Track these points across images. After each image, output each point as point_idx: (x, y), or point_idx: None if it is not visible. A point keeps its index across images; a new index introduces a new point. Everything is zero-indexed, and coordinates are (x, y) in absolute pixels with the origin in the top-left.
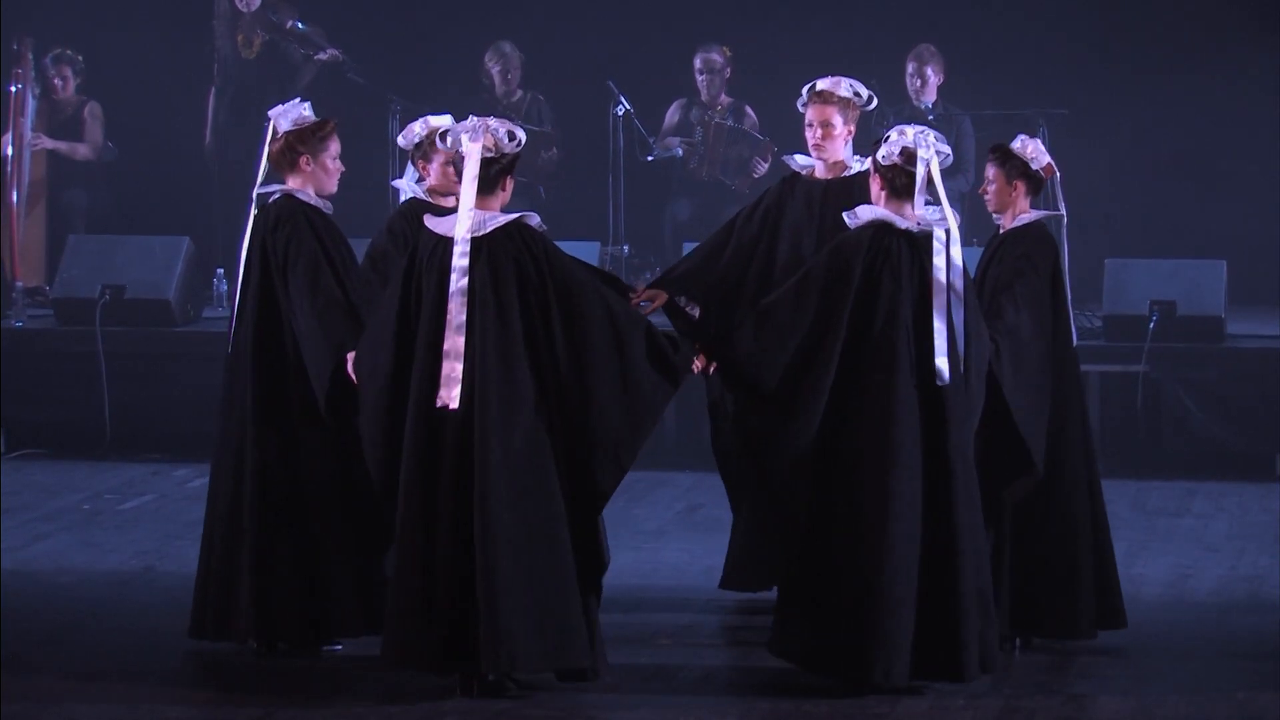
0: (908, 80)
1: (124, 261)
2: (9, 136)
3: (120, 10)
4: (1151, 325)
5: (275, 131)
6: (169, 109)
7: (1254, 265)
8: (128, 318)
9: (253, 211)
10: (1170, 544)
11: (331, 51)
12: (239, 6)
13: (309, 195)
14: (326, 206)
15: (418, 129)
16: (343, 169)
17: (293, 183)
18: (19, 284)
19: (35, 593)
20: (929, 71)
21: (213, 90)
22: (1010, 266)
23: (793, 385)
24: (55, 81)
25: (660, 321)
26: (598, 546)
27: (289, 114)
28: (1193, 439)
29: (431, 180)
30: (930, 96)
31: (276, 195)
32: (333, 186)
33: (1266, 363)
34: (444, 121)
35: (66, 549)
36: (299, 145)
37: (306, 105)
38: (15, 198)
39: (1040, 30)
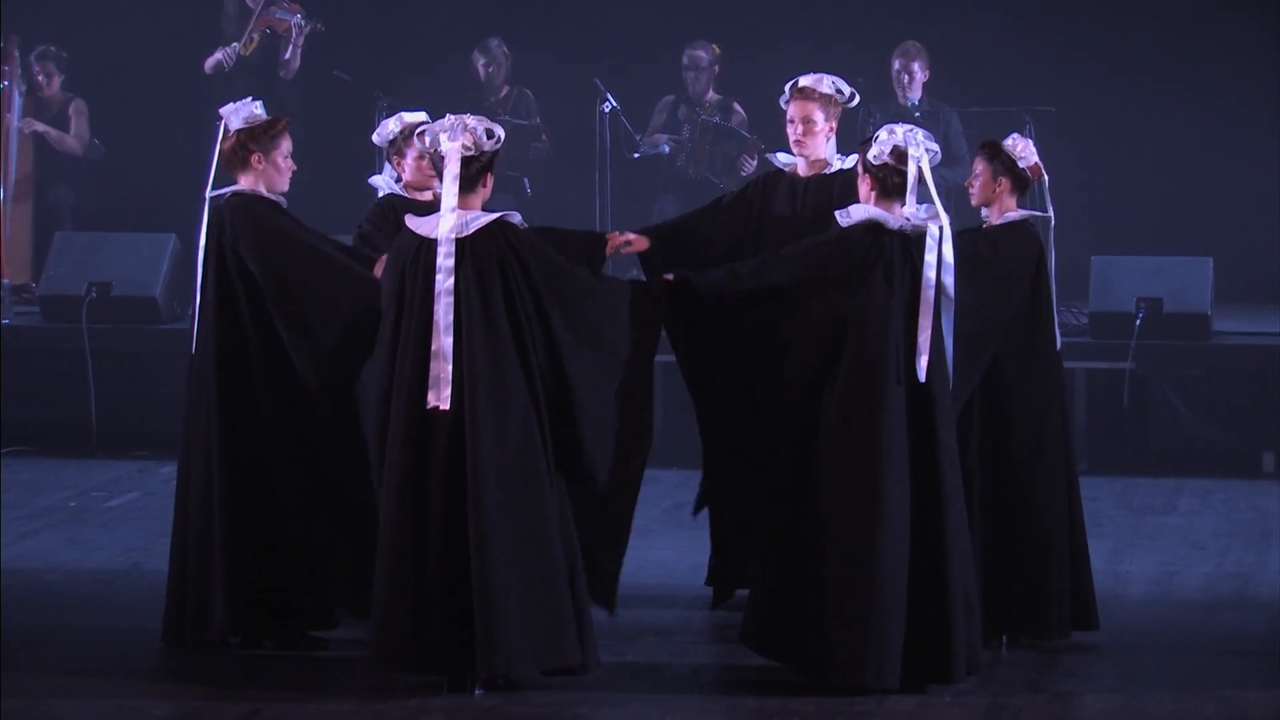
0: (894, 77)
1: (110, 259)
2: None
3: (105, 8)
4: (1138, 322)
5: (226, 130)
6: (155, 106)
7: (1240, 262)
8: (114, 315)
9: (205, 212)
10: (1157, 541)
11: (313, 22)
12: (249, 4)
13: (263, 191)
14: (282, 202)
15: (392, 125)
16: (294, 167)
17: (244, 181)
18: (5, 281)
19: (22, 590)
20: (915, 68)
21: (209, 88)
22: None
23: (757, 335)
24: (39, 78)
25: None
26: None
27: (240, 112)
28: (1179, 436)
29: (407, 176)
30: (916, 93)
31: (228, 195)
32: (284, 185)
33: (1253, 360)
34: (418, 117)
35: (53, 547)
36: (251, 143)
37: (258, 103)
38: (2, 194)
39: (1027, 28)
